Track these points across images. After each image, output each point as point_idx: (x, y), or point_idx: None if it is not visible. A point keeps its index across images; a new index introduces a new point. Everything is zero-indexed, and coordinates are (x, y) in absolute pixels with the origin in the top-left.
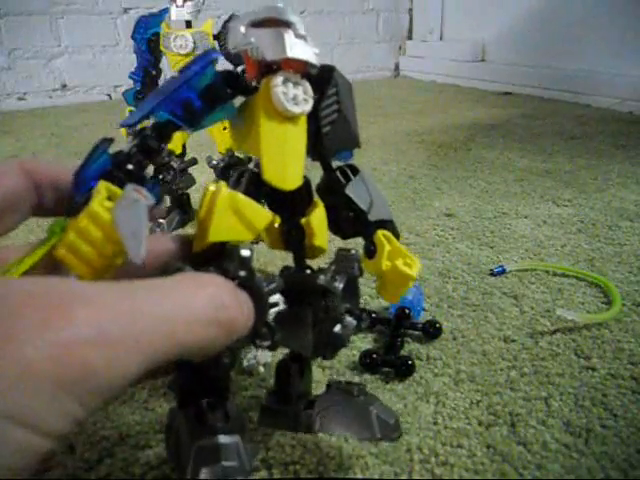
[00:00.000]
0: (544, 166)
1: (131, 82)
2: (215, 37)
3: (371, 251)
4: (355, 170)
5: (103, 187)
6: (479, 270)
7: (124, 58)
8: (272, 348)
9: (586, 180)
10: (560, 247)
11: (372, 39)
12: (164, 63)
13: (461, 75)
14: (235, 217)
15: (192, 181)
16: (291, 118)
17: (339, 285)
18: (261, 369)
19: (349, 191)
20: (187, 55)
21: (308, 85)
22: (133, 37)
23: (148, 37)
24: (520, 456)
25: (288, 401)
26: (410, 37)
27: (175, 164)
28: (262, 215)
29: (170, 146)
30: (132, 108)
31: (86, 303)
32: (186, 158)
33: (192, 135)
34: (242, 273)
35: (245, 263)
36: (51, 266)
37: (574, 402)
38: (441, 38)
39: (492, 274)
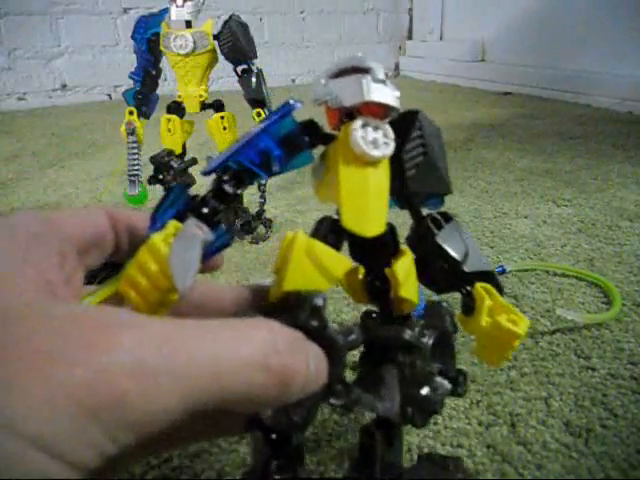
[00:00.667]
0: (544, 166)
1: (131, 82)
2: (215, 37)
3: (469, 307)
4: (448, 218)
5: (172, 225)
6: None
7: (124, 58)
8: (348, 409)
9: (586, 180)
10: (560, 247)
11: (372, 39)
12: (164, 63)
13: (461, 75)
14: (312, 265)
15: (192, 181)
16: (372, 163)
17: (428, 341)
18: None
19: (440, 239)
20: (187, 55)
21: (389, 128)
22: (133, 37)
23: (148, 37)
24: (520, 456)
25: (372, 474)
26: (410, 37)
27: (175, 164)
28: (341, 262)
29: (170, 146)
30: (132, 108)
31: (131, 330)
32: (186, 158)
33: (192, 135)
34: (313, 323)
35: (317, 312)
36: (119, 302)
37: (574, 402)
38: (441, 38)
39: None
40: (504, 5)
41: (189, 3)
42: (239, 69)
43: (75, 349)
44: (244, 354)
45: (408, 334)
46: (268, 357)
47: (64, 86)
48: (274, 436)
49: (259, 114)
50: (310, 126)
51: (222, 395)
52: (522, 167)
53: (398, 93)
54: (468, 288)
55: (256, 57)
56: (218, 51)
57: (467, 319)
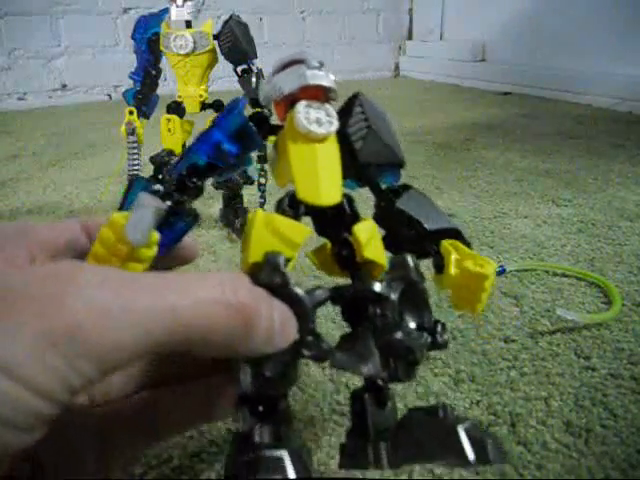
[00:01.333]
0: (544, 166)
1: (131, 82)
2: (215, 37)
3: (439, 265)
4: (407, 188)
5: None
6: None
7: (124, 58)
8: (319, 359)
9: (586, 180)
10: (560, 247)
11: (372, 39)
12: (164, 63)
13: (461, 75)
14: (273, 235)
15: None
16: (318, 140)
17: (395, 292)
18: None
19: (401, 204)
20: (187, 55)
21: (330, 108)
22: (133, 37)
23: (148, 37)
24: (520, 456)
25: (366, 437)
26: (410, 37)
27: (172, 161)
28: (299, 229)
29: (170, 146)
30: (132, 108)
31: (88, 273)
32: None
33: (192, 135)
34: (275, 280)
35: (277, 269)
36: None
37: (574, 402)
38: (441, 38)
39: None
40: (504, 5)
41: (189, 3)
42: (239, 69)
43: (36, 286)
44: (203, 291)
45: (376, 286)
46: (226, 294)
47: (64, 86)
48: (261, 408)
49: (258, 111)
50: (258, 118)
51: (183, 332)
52: (522, 167)
53: (333, 77)
54: (435, 247)
55: (256, 57)
56: (218, 51)
57: (439, 277)
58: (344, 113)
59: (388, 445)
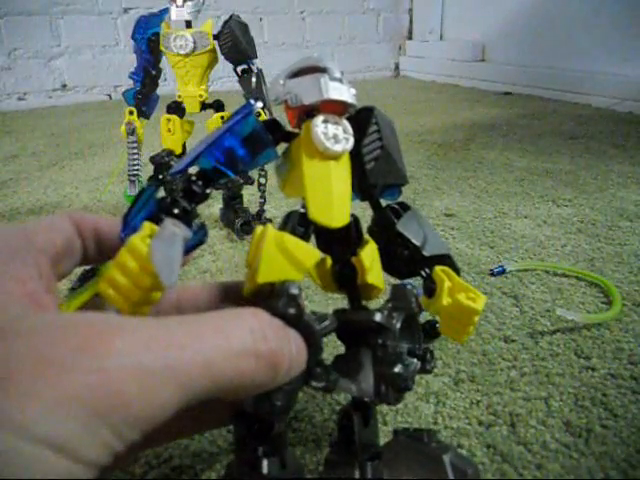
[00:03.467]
0: (544, 166)
1: (131, 82)
2: (215, 37)
3: (430, 289)
4: (405, 207)
5: (147, 226)
6: (479, 270)
7: (124, 58)
8: (327, 390)
9: (586, 180)
10: (560, 247)
11: (372, 39)
12: (164, 63)
13: (461, 75)
14: (283, 257)
15: None
16: (333, 157)
17: (396, 322)
18: None
19: (401, 227)
20: (187, 55)
21: (347, 124)
22: (133, 37)
23: (148, 37)
24: (520, 456)
25: (352, 452)
26: (410, 37)
27: (175, 164)
28: (311, 253)
29: (170, 146)
30: (132, 108)
31: (124, 334)
32: None
33: (192, 135)
34: (291, 310)
35: (294, 300)
36: (97, 305)
37: (574, 402)
38: (441, 38)
39: (492, 274)
40: (504, 5)
41: (189, 3)
42: (239, 69)
43: (75, 355)
44: (234, 342)
45: (378, 317)
46: (257, 343)
47: (64, 86)
48: (257, 426)
49: (259, 114)
50: (273, 125)
51: (216, 385)
52: (522, 167)
53: (354, 91)
54: (428, 271)
55: (256, 57)
56: (218, 51)
57: (429, 301)
58: (357, 127)
59: (374, 466)
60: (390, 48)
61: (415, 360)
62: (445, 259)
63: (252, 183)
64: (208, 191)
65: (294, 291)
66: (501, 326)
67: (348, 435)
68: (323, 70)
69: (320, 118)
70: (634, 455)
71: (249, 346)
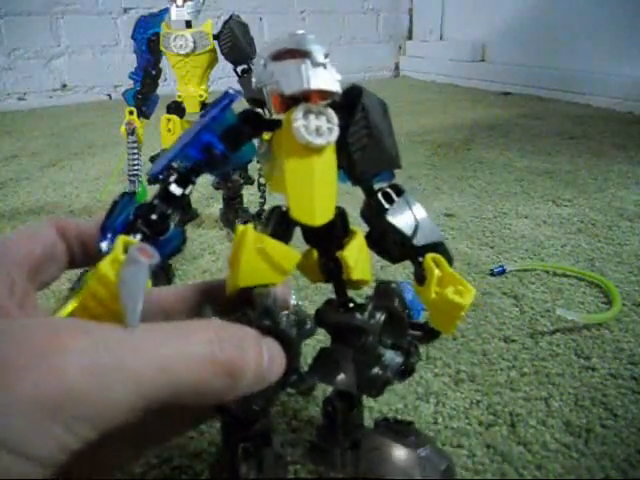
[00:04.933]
0: (544, 166)
1: (131, 82)
2: (215, 37)
3: (421, 276)
4: (399, 191)
5: (120, 241)
6: (479, 270)
7: (124, 58)
8: (304, 395)
9: (586, 180)
10: (560, 247)
11: (372, 39)
12: (164, 63)
13: (461, 75)
14: (263, 261)
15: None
16: (317, 150)
17: (377, 322)
18: None
19: (391, 216)
20: (187, 55)
21: (332, 113)
22: (133, 37)
23: (148, 37)
24: (520, 456)
25: (335, 439)
26: (410, 37)
27: (175, 164)
28: (290, 256)
29: (170, 146)
30: (132, 108)
31: (81, 335)
32: None
33: None
34: (265, 322)
35: (268, 312)
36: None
37: (574, 402)
38: (441, 38)
39: (492, 274)
40: (504, 5)
41: (189, 3)
42: (239, 69)
43: (31, 357)
44: (191, 349)
45: (358, 319)
46: (214, 351)
47: (64, 86)
48: (240, 420)
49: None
50: (251, 116)
51: (174, 389)
52: (522, 167)
53: (339, 76)
54: (419, 259)
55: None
56: (218, 51)
57: (421, 288)
58: (344, 113)
59: (354, 454)
60: (390, 48)
61: (397, 356)
62: (438, 247)
63: (252, 183)
64: (187, 192)
65: (268, 303)
66: (501, 326)
67: (332, 422)
68: (305, 54)
69: (300, 111)
70: (634, 455)
71: (205, 353)
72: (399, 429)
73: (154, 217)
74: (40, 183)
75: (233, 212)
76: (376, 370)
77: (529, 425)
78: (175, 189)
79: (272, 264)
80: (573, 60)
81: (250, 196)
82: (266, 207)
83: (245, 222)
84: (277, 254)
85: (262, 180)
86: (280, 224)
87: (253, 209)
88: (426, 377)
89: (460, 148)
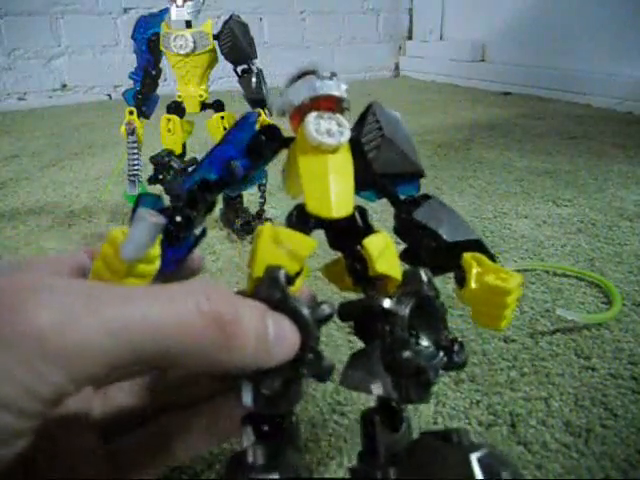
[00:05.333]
0: (544, 166)
1: (131, 82)
2: (215, 37)
3: (461, 278)
4: (427, 198)
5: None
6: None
7: (124, 58)
8: (321, 379)
9: (586, 180)
10: (560, 247)
11: (372, 39)
12: (164, 63)
13: (461, 75)
14: (278, 249)
15: None
16: (329, 151)
17: (405, 307)
18: None
19: (419, 216)
20: (187, 55)
21: (342, 118)
22: (133, 37)
23: (148, 37)
24: (520, 456)
25: (376, 460)
26: (410, 37)
27: (175, 164)
28: (306, 243)
29: (170, 146)
30: (132, 108)
31: (55, 280)
32: (186, 158)
33: (192, 135)
34: (275, 295)
35: (276, 284)
36: None
37: (574, 402)
38: (441, 38)
39: None
40: (504, 5)
41: (189, 3)
42: (239, 69)
43: (7, 304)
44: (174, 299)
45: (385, 302)
46: (199, 304)
47: (64, 86)
48: (266, 428)
49: (259, 114)
50: (270, 130)
51: (160, 342)
52: (522, 167)
53: (345, 86)
54: (456, 260)
55: (256, 57)
56: (218, 51)
57: (461, 291)
58: (359, 123)
59: (397, 472)
60: (390, 48)
61: (440, 352)
62: (476, 245)
63: None
64: (210, 199)
65: (277, 274)
66: None
67: (371, 442)
68: (312, 72)
69: (312, 115)
70: (634, 455)
71: (190, 304)
72: (448, 436)
73: (179, 219)
74: (40, 183)
75: (233, 212)
76: (407, 354)
77: (529, 425)
78: (200, 197)
79: (288, 252)
80: (573, 60)
81: (250, 196)
82: (266, 207)
83: (245, 222)
84: (293, 242)
85: (262, 180)
86: (298, 219)
87: (253, 209)
88: None
89: (460, 148)
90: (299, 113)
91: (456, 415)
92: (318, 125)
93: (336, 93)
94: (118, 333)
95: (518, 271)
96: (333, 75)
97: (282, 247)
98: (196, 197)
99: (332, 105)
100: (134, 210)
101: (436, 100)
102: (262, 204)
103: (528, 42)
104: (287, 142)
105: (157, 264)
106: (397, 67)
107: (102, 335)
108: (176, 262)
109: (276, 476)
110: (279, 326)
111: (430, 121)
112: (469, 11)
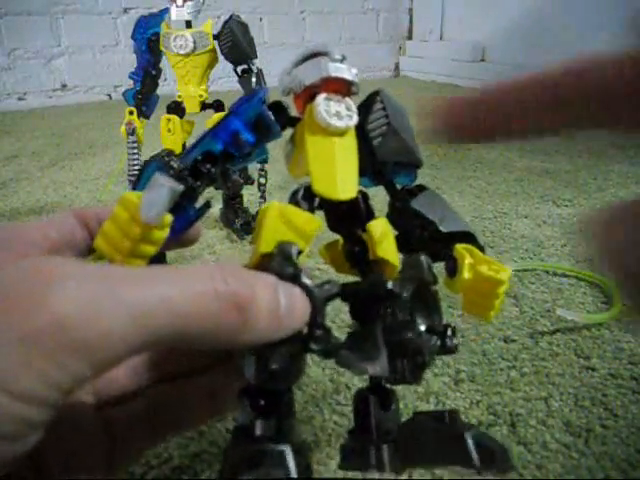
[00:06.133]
0: (544, 166)
1: (131, 82)
2: (215, 37)
3: (452, 268)
4: (422, 189)
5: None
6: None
7: (124, 58)
8: (328, 355)
9: (586, 180)
10: (560, 247)
11: (372, 39)
12: (164, 63)
13: (461, 75)
14: (285, 226)
15: None
16: (337, 133)
17: (407, 290)
18: None
19: (416, 205)
20: (187, 55)
21: (351, 102)
22: (133, 37)
23: (148, 37)
24: (520, 456)
25: (369, 439)
26: (410, 37)
27: (175, 164)
28: (312, 221)
29: (170, 146)
30: (132, 108)
31: (74, 266)
32: None
33: (192, 135)
34: (287, 269)
35: (289, 259)
36: None
37: (574, 402)
38: (441, 38)
39: None
40: (504, 5)
41: (189, 3)
42: (239, 69)
43: (15, 289)
44: (191, 283)
45: (389, 283)
46: (216, 285)
47: (64, 86)
48: (262, 402)
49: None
50: (277, 107)
51: (179, 325)
52: (522, 167)
53: (355, 71)
54: (448, 251)
55: (256, 57)
56: (218, 51)
57: (452, 281)
58: (364, 108)
59: (391, 448)
60: (390, 48)
61: (434, 337)
62: (468, 238)
63: (252, 183)
64: (213, 170)
65: (290, 250)
66: (501, 326)
67: (364, 420)
68: (324, 54)
69: (322, 96)
70: (634, 455)
71: (207, 286)
72: (439, 416)
73: (182, 187)
74: (40, 183)
75: (233, 212)
76: (409, 335)
77: (529, 425)
78: (203, 168)
79: (294, 229)
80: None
81: (250, 196)
82: None
83: (245, 222)
84: (299, 219)
85: (262, 180)
86: (303, 199)
87: (253, 209)
88: (426, 377)
89: (460, 148)
90: (307, 94)
91: None
92: (328, 107)
93: (348, 77)
94: (140, 319)
95: (518, 271)
96: (344, 58)
97: (289, 224)
98: (199, 167)
99: (342, 88)
100: (141, 174)
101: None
102: (262, 204)
103: (528, 42)
104: (293, 121)
105: (167, 231)
106: (397, 67)
107: (124, 322)
108: (175, 232)
109: (286, 447)
110: (290, 296)
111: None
112: (469, 11)
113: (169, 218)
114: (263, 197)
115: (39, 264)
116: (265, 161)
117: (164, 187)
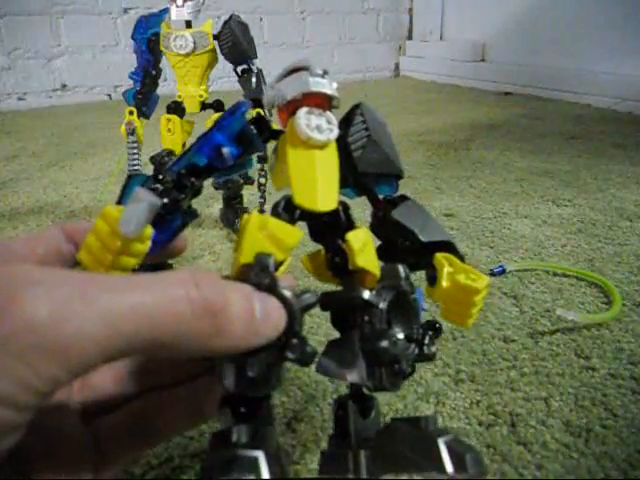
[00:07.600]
0: (544, 166)
1: (131, 82)
2: (215, 37)
3: (432, 277)
4: (404, 199)
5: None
6: (479, 270)
7: (124, 58)
8: (304, 363)
9: (586, 180)
10: (560, 247)
11: (372, 39)
12: (164, 63)
13: (461, 75)
14: (266, 238)
15: None
16: (318, 146)
17: (384, 300)
18: None
19: (396, 215)
20: (187, 55)
21: (331, 115)
22: (133, 37)
23: (148, 37)
24: (520, 456)
25: (347, 445)
26: (410, 37)
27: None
28: (293, 233)
29: (170, 146)
30: (132, 108)
31: (46, 272)
32: None
33: (192, 135)
34: (263, 280)
35: (265, 270)
36: None
37: (574, 402)
38: (441, 38)
39: (492, 274)
40: (504, 5)
41: (189, 3)
42: (239, 69)
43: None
44: (164, 289)
45: (365, 293)
46: (188, 291)
47: (64, 86)
48: (243, 410)
49: (259, 114)
50: (259, 121)
51: (152, 331)
52: (522, 167)
53: (336, 85)
54: (429, 260)
55: (256, 57)
56: (218, 51)
57: (432, 289)
58: (345, 122)
59: (368, 454)
60: (390, 48)
61: (412, 345)
62: (448, 247)
63: (252, 183)
64: (198, 184)
65: (267, 261)
66: (501, 326)
67: (343, 426)
68: (305, 68)
69: (303, 110)
70: (634, 455)
71: (180, 292)
72: (415, 421)
73: (166, 201)
74: (40, 183)
75: (233, 212)
76: (385, 343)
77: (529, 425)
78: (187, 181)
79: (274, 240)
80: (573, 60)
81: (250, 196)
82: (266, 207)
83: None
84: (280, 231)
85: (262, 180)
86: (284, 211)
87: (253, 209)
88: (426, 377)
89: (460, 148)
90: (290, 107)
91: (456, 415)
92: (309, 120)
93: (328, 91)
94: (112, 324)
95: (518, 271)
96: (325, 73)
97: (269, 236)
98: (183, 181)
99: (323, 102)
100: (124, 188)
101: (436, 100)
102: (262, 204)
103: (528, 42)
104: (276, 135)
105: (148, 244)
106: (397, 67)
107: (97, 326)
108: (160, 244)
109: (260, 454)
110: (265, 305)
111: (430, 121)
112: (469, 11)
113: (150, 231)
114: (263, 197)
115: (9, 271)
116: (265, 161)
117: (143, 202)
